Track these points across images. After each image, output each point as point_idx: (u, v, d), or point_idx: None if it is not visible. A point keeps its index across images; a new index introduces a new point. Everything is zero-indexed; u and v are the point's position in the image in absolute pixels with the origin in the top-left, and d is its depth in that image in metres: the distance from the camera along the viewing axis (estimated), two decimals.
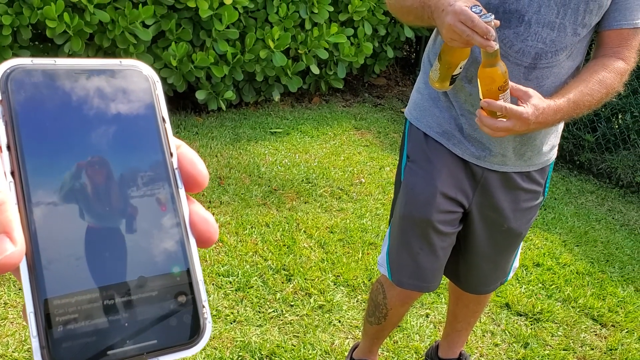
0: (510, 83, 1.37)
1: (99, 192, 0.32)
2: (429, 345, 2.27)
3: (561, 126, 1.60)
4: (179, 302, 0.33)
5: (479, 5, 1.27)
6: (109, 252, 0.32)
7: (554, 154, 1.65)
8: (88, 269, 0.31)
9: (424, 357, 2.21)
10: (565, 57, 1.43)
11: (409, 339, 2.30)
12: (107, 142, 0.33)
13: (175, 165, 0.35)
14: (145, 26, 3.75)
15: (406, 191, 1.61)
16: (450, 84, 1.49)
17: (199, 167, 0.36)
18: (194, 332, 0.33)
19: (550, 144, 1.61)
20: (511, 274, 1.84)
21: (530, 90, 1.37)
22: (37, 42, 3.75)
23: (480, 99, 1.37)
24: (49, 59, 0.33)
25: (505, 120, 1.34)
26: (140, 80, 0.35)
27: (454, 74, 1.46)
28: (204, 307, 0.34)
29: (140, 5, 3.62)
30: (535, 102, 1.34)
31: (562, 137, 4.31)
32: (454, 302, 1.98)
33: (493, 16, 1.26)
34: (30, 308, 0.30)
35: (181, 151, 0.36)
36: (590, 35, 1.48)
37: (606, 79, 1.43)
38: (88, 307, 0.31)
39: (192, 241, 0.34)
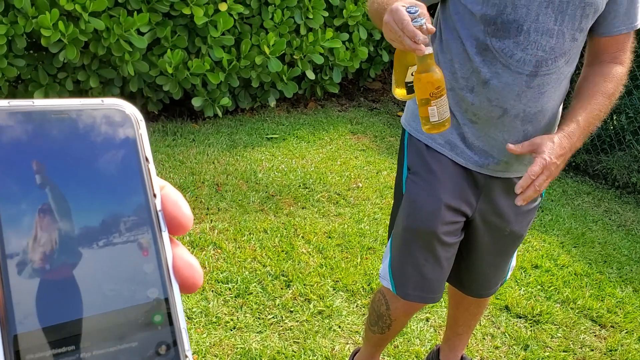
0: (515, 146, 1.41)
1: (77, 237, 0.31)
2: (429, 349, 2.27)
3: (555, 127, 1.60)
4: (160, 353, 0.32)
5: (417, 7, 1.24)
6: (86, 301, 0.30)
7: None
8: (62, 320, 0.30)
9: None
10: (565, 62, 1.44)
11: (410, 343, 2.30)
12: (87, 184, 0.32)
13: (158, 207, 0.33)
14: (141, 34, 3.75)
15: (409, 204, 1.59)
16: (408, 93, 1.44)
17: (183, 209, 0.34)
18: None
19: None
20: (509, 274, 1.86)
21: (535, 140, 1.41)
22: (32, 51, 3.74)
23: (516, 187, 1.37)
24: (26, 100, 0.32)
25: (544, 179, 1.37)
26: (123, 119, 0.33)
27: (407, 80, 1.42)
28: (187, 357, 0.32)
29: (135, 13, 3.62)
30: (547, 147, 1.38)
31: None
32: (455, 306, 1.98)
33: (425, 19, 1.23)
34: None
35: (165, 192, 0.34)
36: (585, 39, 1.49)
37: (609, 89, 1.46)
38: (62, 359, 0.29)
39: (176, 287, 0.33)
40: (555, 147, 1.39)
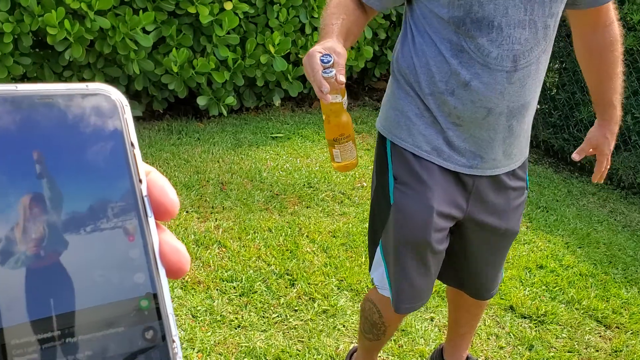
0: (578, 155, 1.63)
1: (63, 224, 0.31)
2: (433, 348, 2.26)
3: (532, 113, 1.60)
4: (147, 338, 0.31)
5: (331, 56, 1.25)
6: (72, 287, 0.30)
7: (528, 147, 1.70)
8: (49, 306, 0.30)
9: None
10: (541, 52, 1.43)
11: (414, 343, 2.30)
12: (72, 170, 0.31)
13: (144, 193, 0.33)
14: (146, 32, 3.75)
15: (400, 215, 1.56)
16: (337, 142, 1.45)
17: (170, 195, 0.34)
18: None
19: (529, 137, 1.63)
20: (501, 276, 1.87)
21: (592, 141, 1.66)
22: (38, 49, 3.75)
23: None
24: (9, 85, 0.31)
25: (607, 163, 1.69)
26: (108, 104, 0.33)
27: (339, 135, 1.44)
28: (174, 341, 0.32)
29: (140, 12, 3.63)
30: (606, 145, 1.64)
31: (563, 139, 4.32)
32: (455, 309, 1.97)
33: (334, 72, 1.24)
34: None
35: (151, 177, 0.34)
36: (556, 23, 1.47)
37: (619, 56, 1.57)
38: (49, 346, 0.29)
39: (162, 272, 0.33)
40: (610, 140, 1.62)
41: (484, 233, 1.64)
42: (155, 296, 0.32)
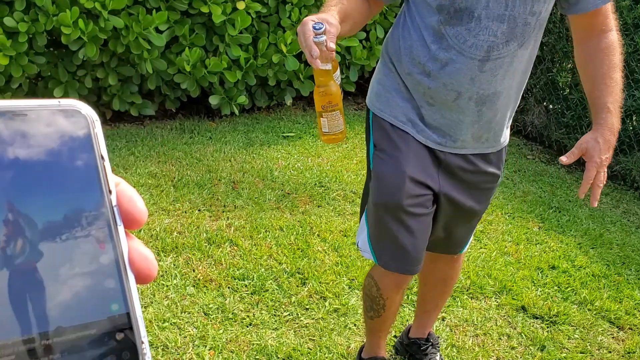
0: (567, 157, 1.52)
1: (37, 232, 0.32)
2: (445, 348, 2.26)
3: (514, 109, 1.67)
4: (117, 340, 0.33)
5: (322, 24, 1.33)
6: (47, 291, 0.32)
7: (507, 137, 1.74)
8: (20, 312, 0.31)
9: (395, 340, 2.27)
10: (517, 46, 1.50)
11: None
12: (44, 183, 0.33)
13: (114, 203, 0.35)
14: (159, 32, 3.78)
15: (377, 179, 1.68)
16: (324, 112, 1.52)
17: (138, 204, 0.36)
18: None
19: (506, 127, 1.69)
20: (471, 237, 1.95)
21: (582, 145, 1.55)
22: (52, 49, 3.79)
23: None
24: None
25: (602, 175, 1.55)
26: (79, 119, 0.35)
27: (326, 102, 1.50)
28: (142, 342, 0.34)
29: (153, 11, 3.65)
30: (596, 151, 1.53)
31: (576, 139, 4.29)
32: (422, 283, 2.07)
33: (325, 37, 1.32)
34: None
35: (120, 188, 0.36)
36: (544, 23, 1.53)
37: (616, 61, 1.56)
38: (24, 348, 0.30)
39: (131, 278, 0.34)
40: (602, 147, 1.53)
41: (452, 208, 1.73)
42: (125, 300, 0.34)
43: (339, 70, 1.50)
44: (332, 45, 1.34)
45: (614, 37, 1.58)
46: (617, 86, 1.56)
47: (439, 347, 2.18)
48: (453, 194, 1.70)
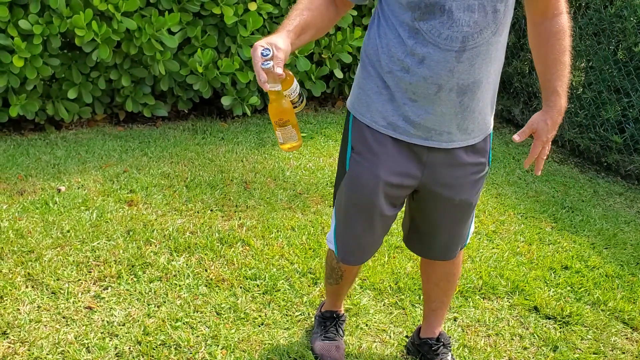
0: (518, 136, 1.66)
1: None
2: (457, 348, 2.26)
3: (495, 95, 1.71)
4: None
5: (270, 50, 1.41)
6: None
7: (492, 122, 1.76)
8: None
9: (407, 341, 2.28)
10: (491, 34, 1.53)
11: None
12: None
13: None
14: (172, 33, 3.80)
15: (352, 180, 1.74)
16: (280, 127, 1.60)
17: None
18: None
19: (489, 113, 1.71)
20: (469, 239, 1.97)
21: (532, 125, 1.68)
22: (66, 51, 3.82)
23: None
24: None
25: (546, 150, 1.72)
26: None
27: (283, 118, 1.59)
28: None
29: (166, 13, 3.68)
30: (544, 131, 1.67)
31: (589, 138, 4.27)
32: (425, 281, 2.10)
33: (272, 64, 1.39)
34: None
35: None
36: (512, 8, 1.57)
37: (566, 45, 1.65)
38: None
39: None
40: (550, 127, 1.67)
41: (438, 202, 1.77)
42: None
43: (295, 83, 1.57)
44: (279, 71, 1.41)
45: (565, 20, 1.64)
46: (565, 69, 1.66)
47: (450, 347, 2.18)
48: (440, 190, 1.73)
